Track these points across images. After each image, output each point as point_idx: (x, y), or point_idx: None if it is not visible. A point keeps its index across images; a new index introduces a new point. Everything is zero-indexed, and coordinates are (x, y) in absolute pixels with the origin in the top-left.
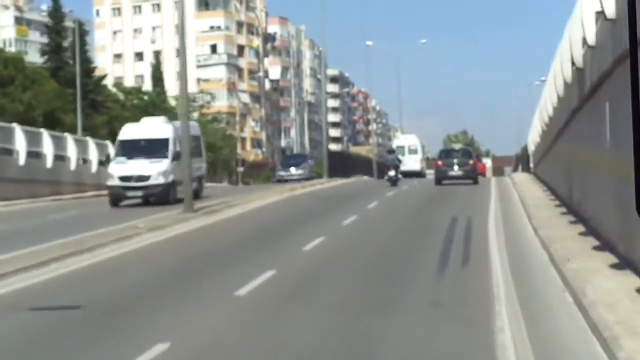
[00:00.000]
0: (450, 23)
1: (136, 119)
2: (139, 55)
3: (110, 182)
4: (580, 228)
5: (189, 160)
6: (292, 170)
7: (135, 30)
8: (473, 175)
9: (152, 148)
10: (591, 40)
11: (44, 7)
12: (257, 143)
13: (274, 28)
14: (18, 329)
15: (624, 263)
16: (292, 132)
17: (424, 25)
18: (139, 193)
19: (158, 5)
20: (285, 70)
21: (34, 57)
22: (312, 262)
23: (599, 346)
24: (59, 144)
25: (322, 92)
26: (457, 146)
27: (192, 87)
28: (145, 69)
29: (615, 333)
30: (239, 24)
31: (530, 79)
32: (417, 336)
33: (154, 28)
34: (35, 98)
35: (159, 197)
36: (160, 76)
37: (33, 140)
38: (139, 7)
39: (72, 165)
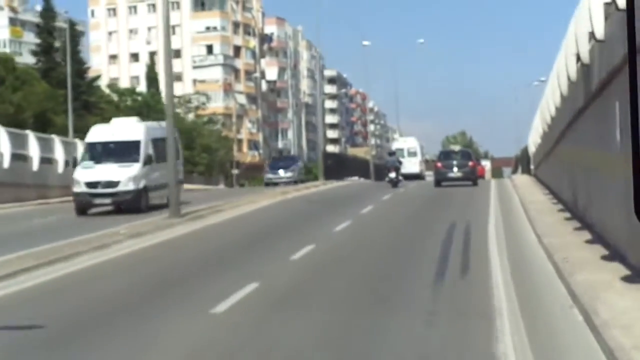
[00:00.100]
0: (448, 23)
1: None
2: (135, 56)
3: (76, 189)
4: (587, 235)
5: (174, 162)
6: (281, 172)
7: (131, 31)
8: (472, 177)
9: (122, 151)
10: (599, 34)
11: (39, 8)
12: (253, 145)
13: (270, 29)
14: None
15: (636, 275)
16: (290, 134)
17: (421, 25)
18: (107, 200)
19: (153, 5)
20: (282, 71)
21: (28, 59)
22: (300, 274)
23: None
24: (45, 146)
25: (318, 93)
26: (457, 148)
27: (188, 88)
28: (140, 69)
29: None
30: (236, 25)
31: (529, 79)
32: None
33: (149, 29)
34: (26, 99)
35: (129, 204)
36: (155, 77)
37: (18, 142)
38: (135, 7)
39: (60, 168)
